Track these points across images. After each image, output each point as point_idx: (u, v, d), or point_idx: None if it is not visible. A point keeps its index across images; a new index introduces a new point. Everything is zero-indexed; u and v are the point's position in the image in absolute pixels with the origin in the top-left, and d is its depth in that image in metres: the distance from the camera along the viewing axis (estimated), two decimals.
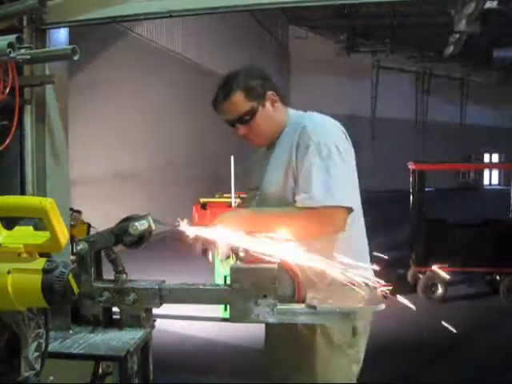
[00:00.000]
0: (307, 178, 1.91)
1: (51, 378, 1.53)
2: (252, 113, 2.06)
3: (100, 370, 1.74)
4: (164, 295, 1.73)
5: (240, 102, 2.05)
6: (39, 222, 1.31)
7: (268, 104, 2.09)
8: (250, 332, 4.78)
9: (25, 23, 2.48)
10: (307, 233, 1.83)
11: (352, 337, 1.99)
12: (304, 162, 1.93)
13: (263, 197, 2.09)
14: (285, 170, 2.00)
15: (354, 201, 1.96)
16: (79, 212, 4.52)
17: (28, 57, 2.16)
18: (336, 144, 1.96)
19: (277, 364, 2.12)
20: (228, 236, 1.83)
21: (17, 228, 1.35)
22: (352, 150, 2.07)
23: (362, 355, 2.06)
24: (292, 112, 2.18)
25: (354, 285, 1.72)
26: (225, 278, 4.53)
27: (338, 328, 1.94)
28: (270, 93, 2.10)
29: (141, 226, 1.79)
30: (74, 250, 1.75)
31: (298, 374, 2.02)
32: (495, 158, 24.45)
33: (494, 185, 24.42)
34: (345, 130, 2.09)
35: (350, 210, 1.88)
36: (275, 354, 2.16)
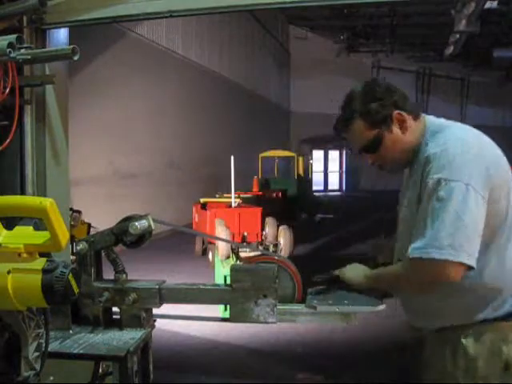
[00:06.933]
0: (421, 224, 1.61)
1: (51, 378, 1.53)
2: (377, 141, 1.77)
3: (100, 370, 1.75)
4: (164, 295, 1.73)
5: (361, 130, 1.78)
6: (39, 222, 1.31)
7: (395, 127, 1.77)
8: (249, 332, 4.79)
9: (25, 23, 2.47)
10: (422, 289, 1.68)
11: (503, 371, 1.66)
12: (422, 204, 1.65)
13: (399, 221, 1.88)
14: (415, 205, 1.71)
15: (475, 246, 1.57)
16: (79, 212, 4.51)
17: (28, 57, 2.16)
18: (463, 179, 1.57)
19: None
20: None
21: (17, 228, 1.36)
22: (506, 177, 1.67)
23: None
24: (431, 121, 1.82)
25: None
26: (225, 278, 4.52)
27: (485, 361, 1.67)
28: (395, 113, 1.76)
29: (141, 225, 1.79)
30: (74, 250, 1.75)
31: None
32: None
33: None
34: (499, 152, 1.71)
35: (468, 266, 1.56)
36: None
